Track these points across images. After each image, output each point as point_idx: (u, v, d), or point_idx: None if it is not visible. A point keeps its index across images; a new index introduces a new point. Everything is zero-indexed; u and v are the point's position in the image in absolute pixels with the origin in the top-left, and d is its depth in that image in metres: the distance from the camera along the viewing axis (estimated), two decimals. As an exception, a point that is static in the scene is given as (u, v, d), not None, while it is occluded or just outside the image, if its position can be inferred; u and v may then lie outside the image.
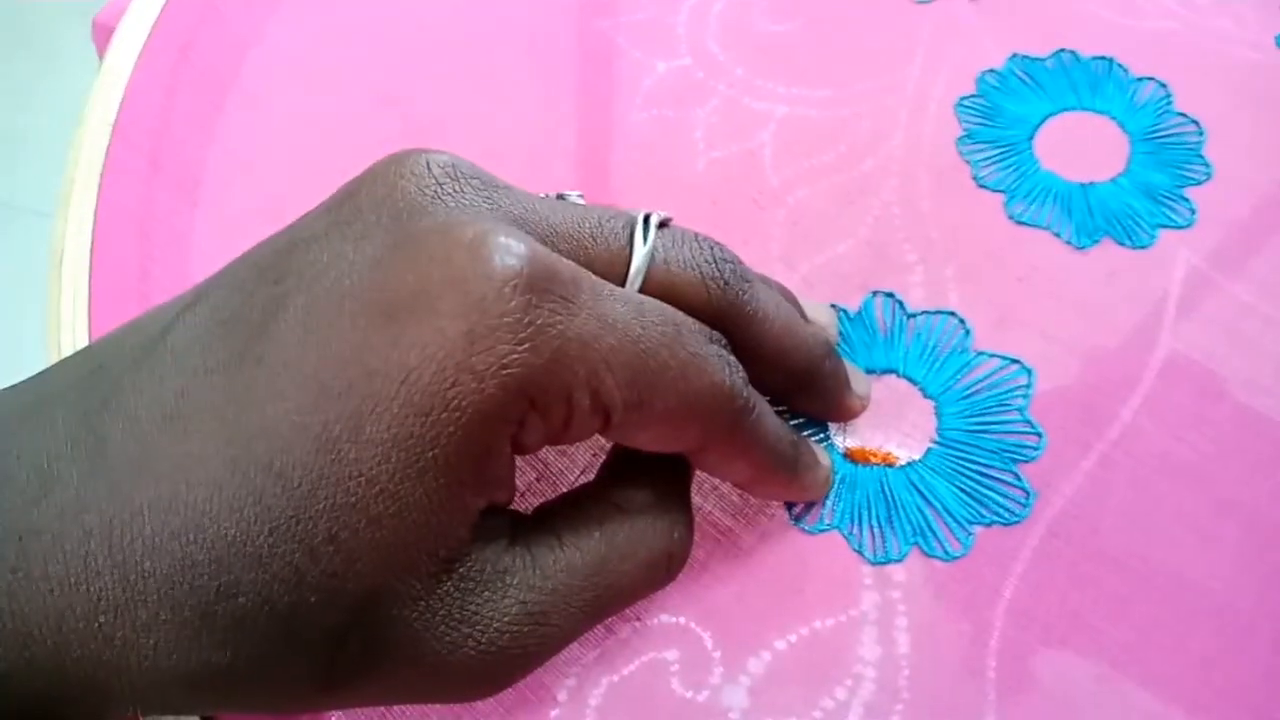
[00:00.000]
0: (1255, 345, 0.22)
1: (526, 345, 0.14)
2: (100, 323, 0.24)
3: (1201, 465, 0.21)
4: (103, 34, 0.30)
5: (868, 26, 0.28)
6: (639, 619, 0.20)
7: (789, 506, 0.21)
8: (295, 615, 0.14)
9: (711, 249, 0.17)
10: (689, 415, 0.16)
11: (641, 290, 0.16)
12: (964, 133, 0.26)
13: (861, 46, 0.27)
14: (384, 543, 0.14)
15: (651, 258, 0.16)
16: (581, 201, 0.18)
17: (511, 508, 0.16)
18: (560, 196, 0.18)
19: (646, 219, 0.17)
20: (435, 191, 0.15)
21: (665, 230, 0.17)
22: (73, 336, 0.23)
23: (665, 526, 0.17)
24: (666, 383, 0.15)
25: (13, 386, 0.16)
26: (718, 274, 0.17)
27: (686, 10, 0.28)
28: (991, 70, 0.27)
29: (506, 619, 0.15)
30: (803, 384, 0.19)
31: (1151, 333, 0.23)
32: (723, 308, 0.17)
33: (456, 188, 0.15)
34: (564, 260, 0.15)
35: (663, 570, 0.17)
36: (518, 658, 0.15)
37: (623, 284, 0.16)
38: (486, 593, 0.15)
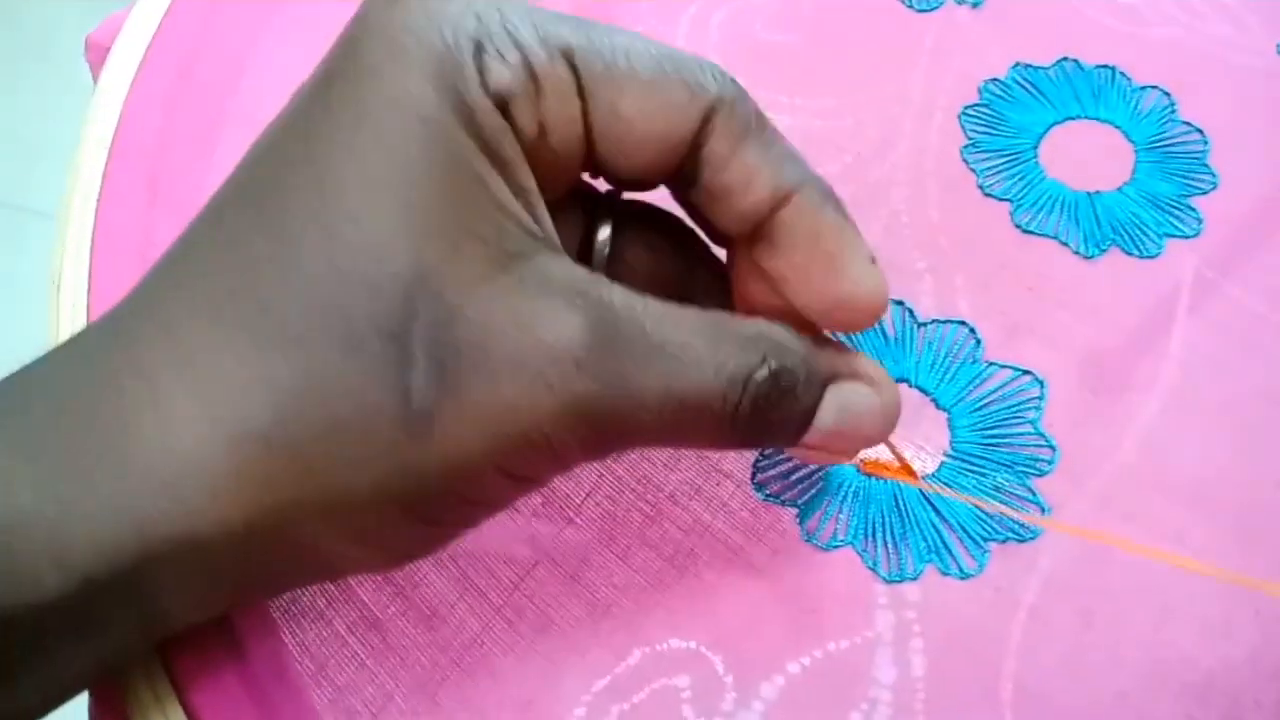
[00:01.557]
0: (1268, 354, 0.22)
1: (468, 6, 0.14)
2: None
3: (1216, 478, 0.21)
4: (97, 53, 0.30)
5: (870, 35, 0.27)
6: (650, 645, 0.19)
7: (800, 522, 0.20)
8: (346, 315, 0.13)
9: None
10: (675, 75, 0.15)
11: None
12: (969, 141, 0.25)
13: (864, 55, 0.27)
14: (407, 210, 0.13)
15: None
16: None
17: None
18: None
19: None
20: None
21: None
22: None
23: (727, 350, 0.15)
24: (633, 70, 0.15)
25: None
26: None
27: (687, 21, 0.28)
28: (995, 79, 0.26)
29: (573, 331, 0.14)
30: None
31: (1162, 342, 0.22)
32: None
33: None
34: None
35: (723, 397, 0.15)
36: (599, 384, 0.14)
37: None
38: (550, 298, 0.14)
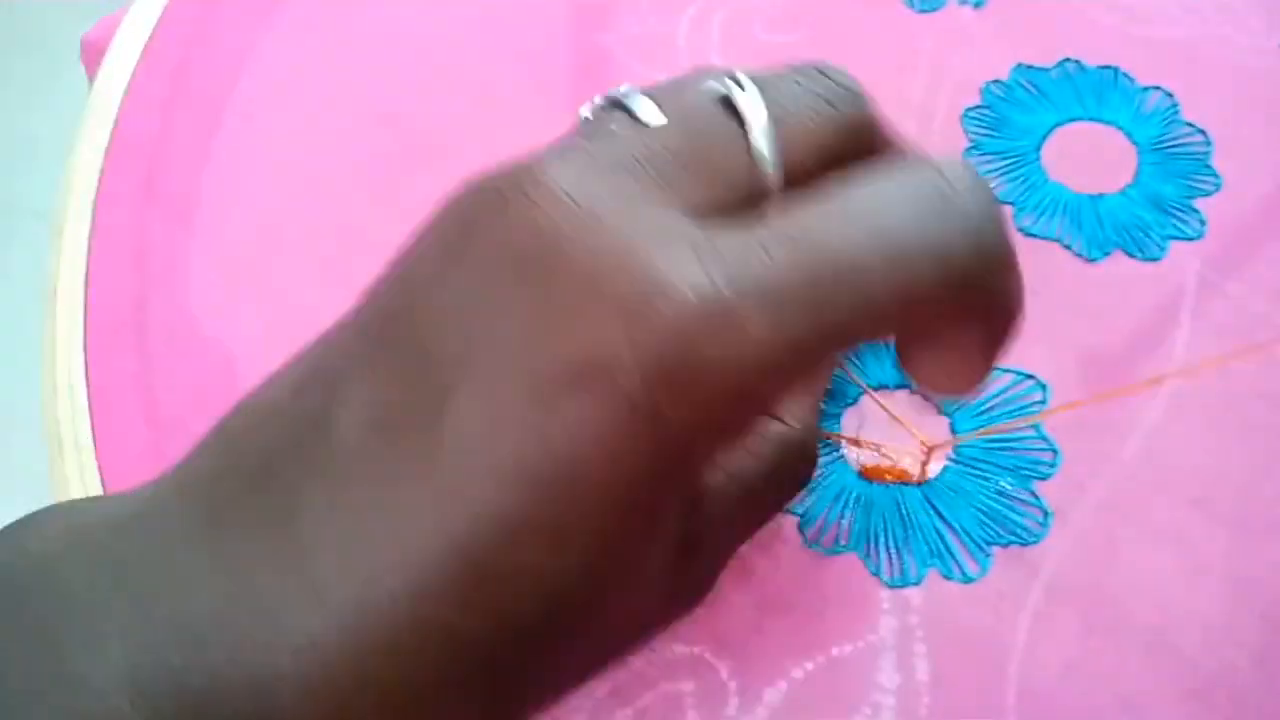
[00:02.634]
0: (1270, 355, 0.22)
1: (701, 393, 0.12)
2: (96, 353, 0.23)
3: (1220, 482, 0.21)
4: (92, 53, 0.30)
5: (870, 37, 0.27)
6: (653, 649, 0.19)
7: (802, 528, 0.20)
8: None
9: (820, 78, 0.15)
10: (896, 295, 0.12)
11: (778, 158, 0.14)
12: (971, 144, 0.25)
13: (865, 57, 0.27)
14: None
15: (771, 133, 0.14)
16: (636, 95, 0.15)
17: None
18: (612, 101, 0.15)
19: (734, 81, 0.14)
20: (556, 230, 0.12)
21: (765, 86, 0.14)
22: (68, 366, 0.23)
23: None
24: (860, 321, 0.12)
25: (150, 489, 0.13)
26: (849, 102, 0.15)
27: (687, 22, 0.28)
28: (996, 81, 0.26)
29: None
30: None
31: (1166, 345, 0.22)
32: (867, 136, 0.15)
33: (574, 213, 0.13)
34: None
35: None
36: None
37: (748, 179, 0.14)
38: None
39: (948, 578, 0.20)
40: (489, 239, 0.13)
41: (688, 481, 0.14)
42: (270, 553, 0.12)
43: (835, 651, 0.19)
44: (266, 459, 0.13)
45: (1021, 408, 0.22)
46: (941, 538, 0.20)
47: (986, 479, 0.21)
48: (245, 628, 0.12)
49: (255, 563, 0.12)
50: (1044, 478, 0.21)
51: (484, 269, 0.13)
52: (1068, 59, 0.27)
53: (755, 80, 0.15)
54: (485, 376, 0.12)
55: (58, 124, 0.64)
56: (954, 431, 0.21)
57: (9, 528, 0.14)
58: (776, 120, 0.14)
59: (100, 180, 0.26)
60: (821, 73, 0.15)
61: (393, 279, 0.14)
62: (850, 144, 0.15)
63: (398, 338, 0.13)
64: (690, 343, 0.12)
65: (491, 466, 0.12)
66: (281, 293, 0.24)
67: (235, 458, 0.13)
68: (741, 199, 0.14)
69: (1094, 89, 0.26)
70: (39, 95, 0.98)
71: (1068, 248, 0.24)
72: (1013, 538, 0.20)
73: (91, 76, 0.30)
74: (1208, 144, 0.25)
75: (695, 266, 0.12)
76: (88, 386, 0.23)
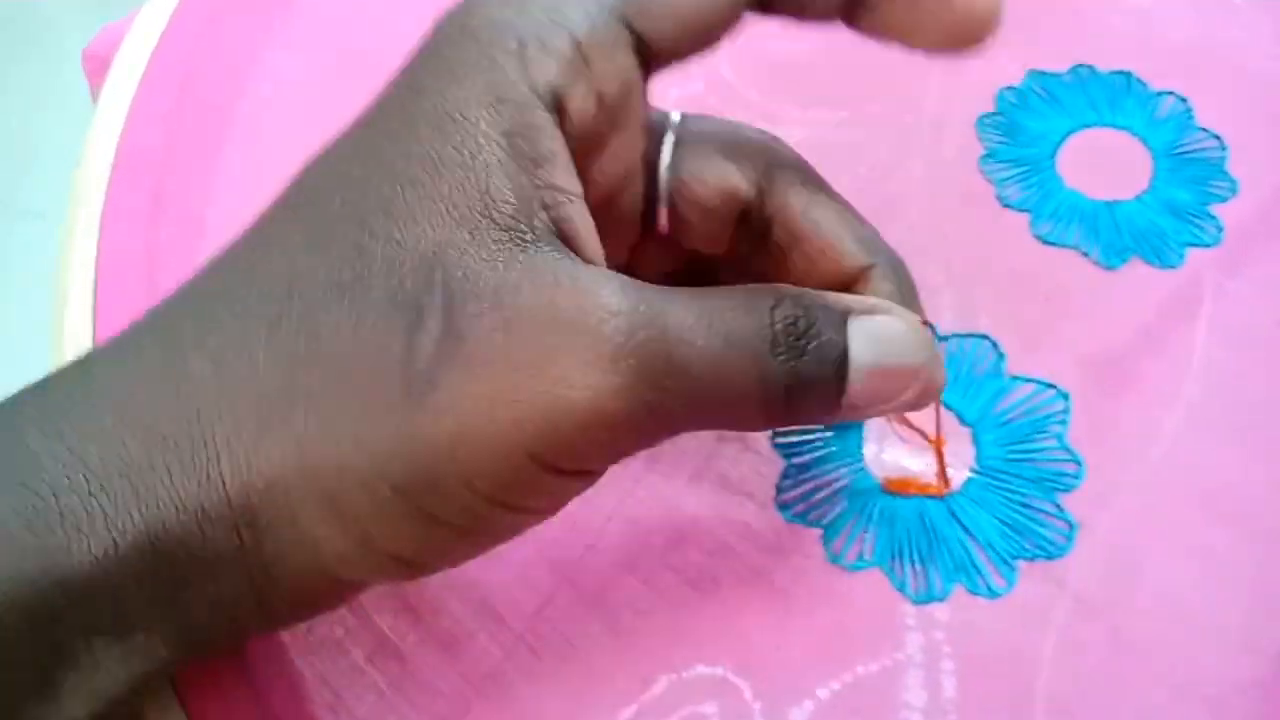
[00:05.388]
0: (1293, 364, 0.22)
1: (508, 7, 0.15)
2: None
3: (1244, 490, 0.20)
4: (94, 65, 0.29)
5: (882, 45, 0.27)
6: (675, 672, 0.19)
7: (826, 540, 0.20)
8: (361, 287, 0.14)
9: None
10: None
11: None
12: (986, 151, 0.25)
13: (877, 64, 0.27)
14: (432, 198, 0.14)
15: None
16: None
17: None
18: None
19: None
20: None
21: None
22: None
23: (760, 298, 0.15)
24: None
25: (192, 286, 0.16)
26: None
27: (696, 31, 0.28)
28: (1010, 87, 0.26)
29: (611, 291, 0.14)
30: None
31: (1185, 353, 0.22)
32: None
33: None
34: None
35: (767, 347, 0.15)
36: (643, 332, 0.14)
37: None
38: (580, 270, 0.14)
39: (974, 593, 0.19)
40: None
41: (491, 78, 0.15)
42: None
43: (861, 670, 0.19)
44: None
45: (1044, 418, 0.21)
46: (966, 551, 0.20)
47: (1010, 491, 0.20)
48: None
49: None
50: (1068, 489, 0.20)
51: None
52: (1080, 64, 0.26)
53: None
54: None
55: (59, 125, 0.64)
56: (976, 443, 0.21)
57: None
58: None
59: (108, 194, 0.25)
60: None
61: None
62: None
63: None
64: None
65: None
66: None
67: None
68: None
69: (1107, 94, 0.26)
70: (40, 97, 0.98)
71: (1085, 255, 0.24)
72: (1038, 551, 0.20)
73: (93, 85, 0.29)
74: (1223, 149, 0.25)
75: None
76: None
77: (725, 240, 0.18)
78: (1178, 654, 0.19)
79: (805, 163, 0.18)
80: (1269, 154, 0.25)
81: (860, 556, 0.20)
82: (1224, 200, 0.24)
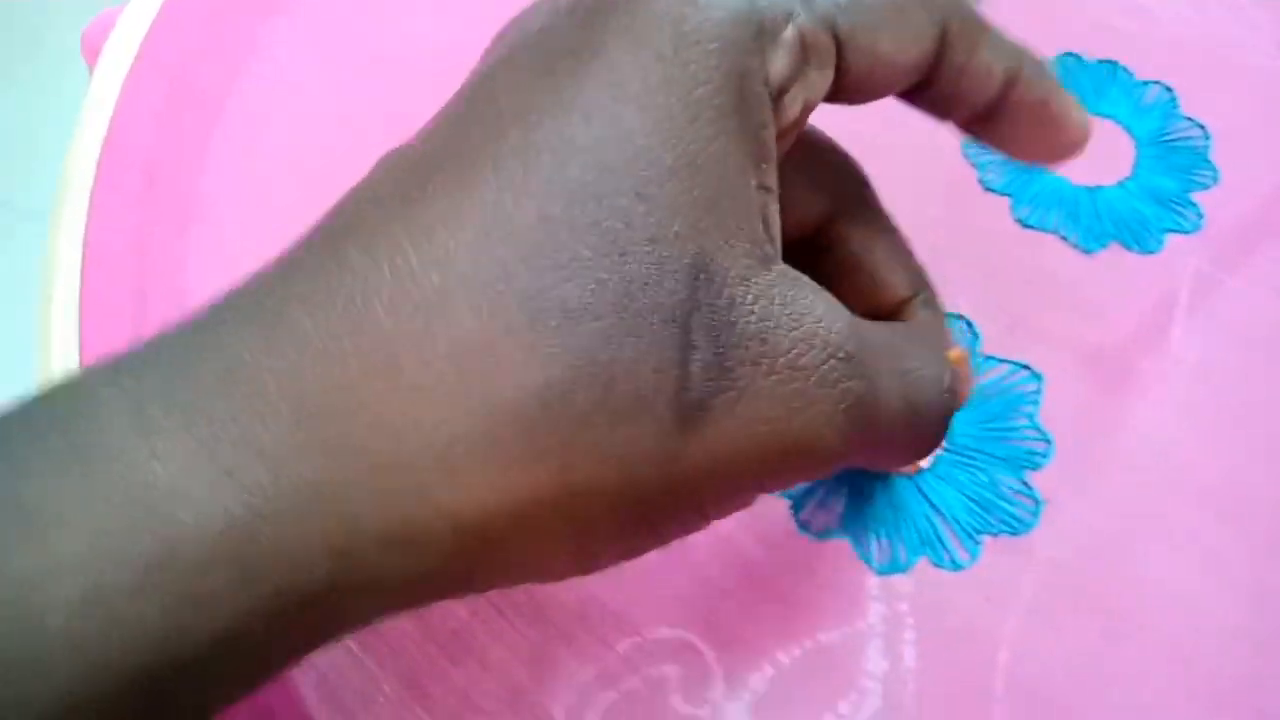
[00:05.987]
0: (1268, 348, 0.22)
1: None
2: (92, 355, 0.23)
3: (1215, 474, 0.20)
4: (93, 47, 0.30)
5: (869, 30, 0.27)
6: (639, 634, 0.19)
7: (795, 510, 0.20)
8: (628, 296, 0.12)
9: None
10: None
11: None
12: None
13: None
14: (689, 196, 0.12)
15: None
16: None
17: None
18: None
19: None
20: None
21: None
22: (64, 368, 0.23)
23: (939, 352, 0.16)
24: None
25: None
26: None
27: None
28: (995, 73, 0.26)
29: (839, 324, 0.14)
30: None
31: (1161, 338, 0.22)
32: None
33: None
34: None
35: (945, 400, 0.16)
36: (864, 381, 0.14)
37: None
38: (808, 292, 0.14)
39: (938, 566, 0.19)
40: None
41: (742, 76, 0.13)
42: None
43: (822, 637, 0.19)
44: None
45: (1017, 398, 0.21)
46: (932, 525, 0.20)
47: (979, 468, 0.21)
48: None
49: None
50: (1037, 467, 0.21)
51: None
52: (1068, 53, 0.27)
53: None
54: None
55: (60, 125, 0.64)
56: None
57: None
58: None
59: (97, 179, 0.25)
60: None
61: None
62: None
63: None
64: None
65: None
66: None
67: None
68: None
69: (1093, 83, 0.26)
70: (40, 94, 0.99)
71: (1065, 239, 0.24)
72: (1003, 526, 0.20)
73: (93, 69, 0.30)
74: (1206, 138, 0.25)
75: None
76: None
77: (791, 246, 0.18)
78: (1142, 627, 0.19)
79: (869, 186, 0.18)
80: (1253, 143, 0.25)
81: (826, 527, 0.20)
82: (1206, 188, 0.24)
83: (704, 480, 0.13)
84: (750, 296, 0.13)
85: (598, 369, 0.12)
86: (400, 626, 0.19)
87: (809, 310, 0.13)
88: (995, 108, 0.16)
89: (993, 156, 0.25)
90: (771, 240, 0.14)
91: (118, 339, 0.24)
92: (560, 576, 0.14)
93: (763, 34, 0.13)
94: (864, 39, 0.14)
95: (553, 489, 0.12)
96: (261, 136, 0.27)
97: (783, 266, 0.14)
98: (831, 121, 0.25)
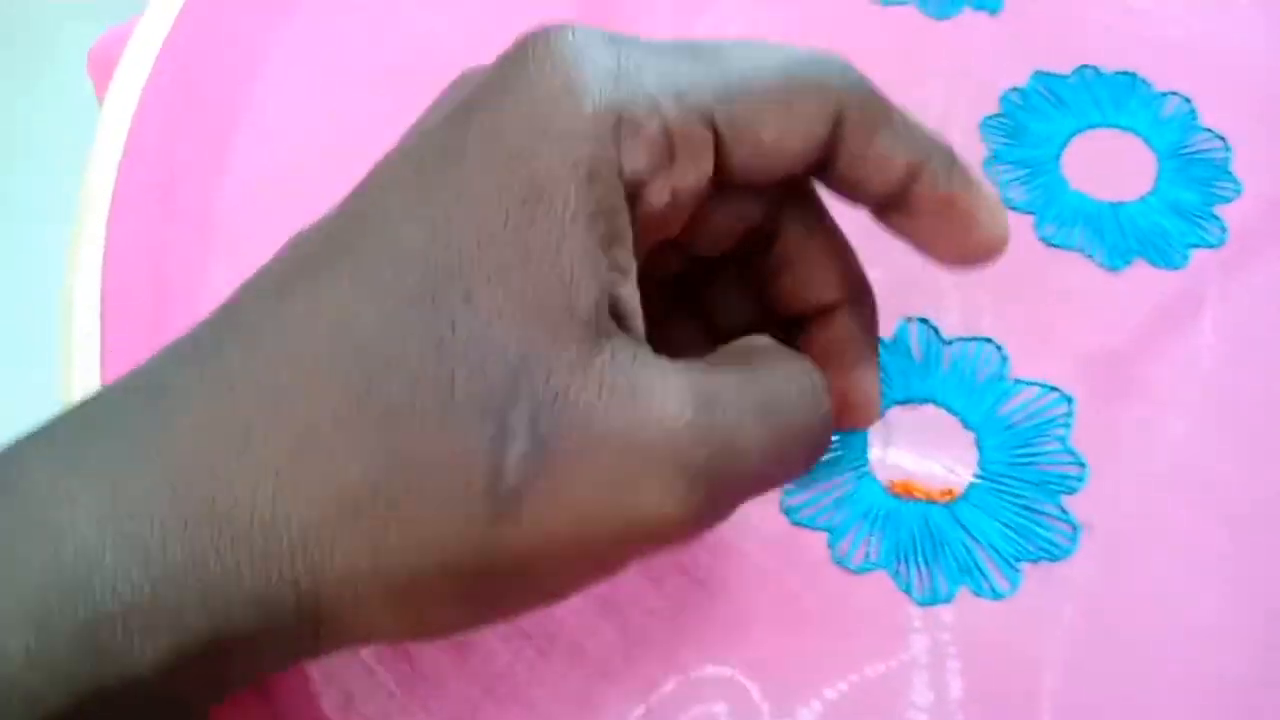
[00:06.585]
0: (1295, 366, 0.22)
1: (609, 69, 0.14)
2: (113, 367, 0.23)
3: (1249, 490, 0.21)
4: (99, 66, 0.29)
5: (887, 45, 0.27)
6: (684, 672, 0.19)
7: (832, 543, 0.20)
8: (445, 388, 0.13)
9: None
10: (807, 86, 0.15)
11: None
12: (990, 153, 0.25)
13: (882, 65, 0.27)
14: (517, 294, 0.13)
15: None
16: None
17: None
18: None
19: None
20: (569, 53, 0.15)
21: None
22: (85, 381, 0.23)
23: (800, 364, 0.16)
24: (773, 61, 0.15)
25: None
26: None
27: (702, 32, 0.28)
28: (1015, 88, 0.26)
29: (677, 396, 0.14)
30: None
31: (1191, 355, 0.22)
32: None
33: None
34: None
35: (822, 406, 0.16)
36: (708, 447, 0.14)
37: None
38: (647, 370, 0.14)
39: (978, 594, 0.20)
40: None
41: (594, 170, 0.14)
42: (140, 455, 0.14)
43: (868, 671, 0.19)
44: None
45: (1048, 421, 0.21)
46: (970, 554, 0.20)
47: (1014, 495, 0.21)
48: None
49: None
50: (1072, 492, 0.21)
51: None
52: (1085, 65, 0.26)
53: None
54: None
55: (64, 128, 0.63)
56: (979, 447, 0.21)
57: None
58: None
59: (115, 194, 0.25)
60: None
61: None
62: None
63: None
64: None
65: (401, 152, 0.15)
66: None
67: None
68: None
69: (1112, 95, 0.26)
70: (46, 99, 0.98)
71: (1090, 257, 0.24)
72: (1041, 553, 0.20)
73: (98, 87, 0.29)
74: (1227, 150, 0.25)
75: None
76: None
77: (731, 246, 0.18)
78: (1182, 654, 0.19)
79: (811, 184, 0.18)
80: (1274, 155, 0.25)
81: (866, 559, 0.20)
82: (1229, 201, 0.24)
83: (531, 563, 0.14)
84: (577, 386, 0.13)
85: (412, 461, 0.13)
86: (442, 666, 0.19)
87: (646, 389, 0.14)
88: (899, 199, 0.16)
89: (1014, 173, 0.25)
90: (624, 316, 0.14)
91: (139, 354, 0.24)
92: (399, 640, 0.16)
93: (620, 127, 0.14)
94: (745, 130, 0.15)
95: (370, 569, 0.13)
96: (276, 148, 0.26)
97: (625, 346, 0.14)
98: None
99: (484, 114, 0.14)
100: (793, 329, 0.18)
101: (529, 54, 0.14)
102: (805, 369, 0.16)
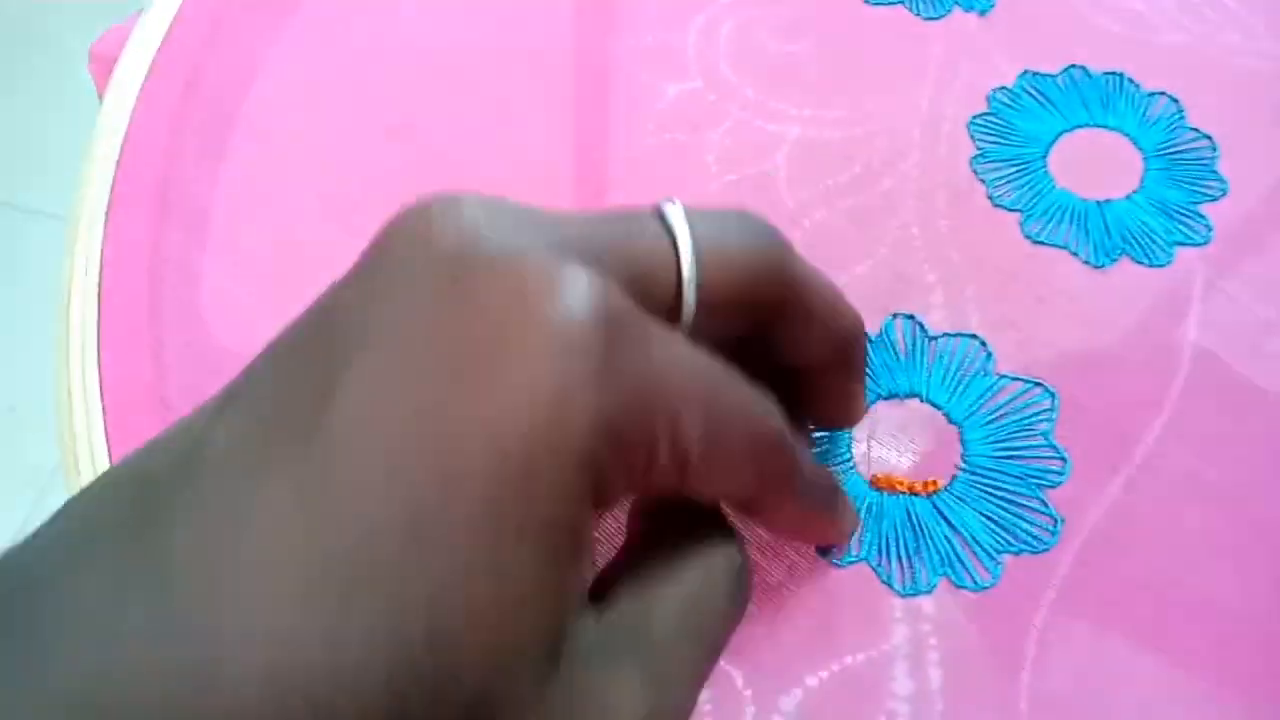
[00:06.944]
0: (1278, 362, 0.22)
1: (613, 390, 0.13)
2: (110, 365, 0.23)
3: (1230, 485, 0.21)
4: (100, 64, 0.30)
5: (878, 44, 0.27)
6: (668, 659, 0.19)
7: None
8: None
9: (744, 217, 0.17)
10: (752, 457, 0.15)
11: (700, 275, 0.15)
12: (978, 151, 0.26)
13: (872, 65, 0.27)
14: (488, 636, 0.12)
15: (696, 244, 0.15)
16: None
17: None
18: None
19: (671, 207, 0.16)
20: (475, 232, 0.13)
21: (693, 213, 0.16)
22: (82, 378, 0.23)
23: (725, 551, 0.16)
24: (736, 422, 0.15)
25: (46, 526, 0.13)
26: (768, 241, 0.16)
27: (695, 32, 0.28)
28: (1003, 88, 0.26)
29: (630, 701, 0.14)
30: (844, 355, 0.18)
31: (1173, 352, 0.23)
32: (783, 274, 0.16)
33: (495, 222, 0.14)
34: (624, 294, 0.14)
35: (744, 589, 0.16)
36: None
37: (676, 280, 0.15)
38: (600, 672, 0.14)
39: (959, 586, 0.20)
40: (395, 254, 0.14)
41: (582, 504, 0.13)
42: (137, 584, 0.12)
43: (849, 660, 0.19)
44: (137, 479, 0.13)
45: (1031, 416, 0.22)
46: (952, 546, 0.20)
47: (996, 488, 0.21)
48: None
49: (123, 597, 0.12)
50: (1054, 485, 0.21)
51: (388, 279, 0.14)
52: (1073, 65, 0.27)
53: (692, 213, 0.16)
54: (369, 367, 0.13)
55: (66, 125, 0.64)
56: (963, 441, 0.22)
57: None
58: (699, 239, 0.15)
59: (113, 192, 0.26)
60: (746, 215, 0.17)
61: (310, 309, 0.14)
62: (765, 285, 0.16)
63: (297, 347, 0.14)
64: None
65: (372, 457, 0.12)
66: (296, 302, 0.24)
67: (109, 484, 0.13)
68: (655, 300, 0.15)
69: (1099, 95, 0.26)
70: (48, 96, 0.98)
71: (1075, 255, 0.24)
72: (1023, 545, 0.20)
73: (99, 86, 0.30)
74: (1213, 149, 0.25)
75: (595, 280, 0.13)
76: (102, 398, 0.23)
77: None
78: (1162, 647, 0.19)
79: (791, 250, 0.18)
80: (1260, 154, 0.25)
81: (849, 551, 0.20)
82: (1214, 200, 0.25)
83: None
84: (535, 712, 0.13)
85: None
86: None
87: (598, 702, 0.14)
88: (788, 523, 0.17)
89: (1002, 172, 0.25)
90: (570, 614, 0.13)
91: (136, 352, 0.24)
92: None
93: (615, 458, 0.13)
94: (702, 476, 0.14)
95: None
96: (274, 150, 0.27)
97: (574, 647, 0.13)
98: (841, 138, 0.26)
99: (395, 384, 0.12)
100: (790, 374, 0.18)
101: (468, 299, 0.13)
102: (729, 557, 0.16)
